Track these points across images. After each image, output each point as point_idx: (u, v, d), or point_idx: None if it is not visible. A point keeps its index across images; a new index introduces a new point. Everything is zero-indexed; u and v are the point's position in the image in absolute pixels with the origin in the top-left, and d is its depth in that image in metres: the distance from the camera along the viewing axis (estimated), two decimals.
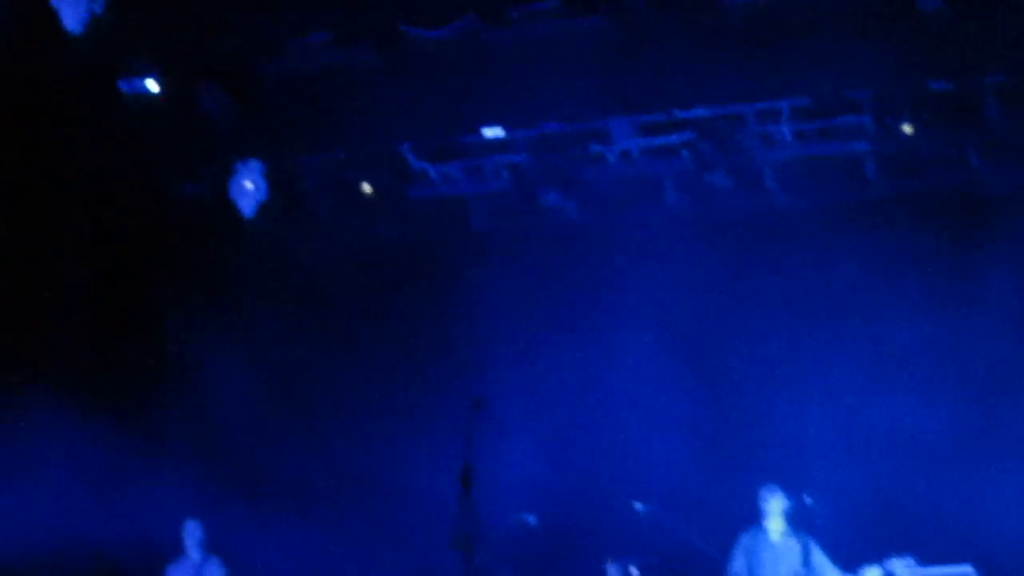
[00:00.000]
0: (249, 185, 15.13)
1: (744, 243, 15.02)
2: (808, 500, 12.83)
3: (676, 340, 14.86)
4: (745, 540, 13.48)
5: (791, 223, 14.97)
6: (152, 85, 14.34)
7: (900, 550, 12.81)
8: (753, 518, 13.53)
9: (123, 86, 14.25)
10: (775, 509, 13.36)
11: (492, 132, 15.04)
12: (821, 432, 14.46)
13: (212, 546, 14.27)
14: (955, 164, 14.52)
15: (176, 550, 14.39)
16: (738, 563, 13.41)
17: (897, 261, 14.47)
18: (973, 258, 14.26)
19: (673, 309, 14.85)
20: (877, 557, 12.82)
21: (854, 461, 14.16)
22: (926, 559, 12.94)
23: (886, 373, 14.36)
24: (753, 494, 13.56)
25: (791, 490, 13.30)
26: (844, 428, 14.36)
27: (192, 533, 14.27)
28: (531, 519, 13.89)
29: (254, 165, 15.18)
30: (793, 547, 13.13)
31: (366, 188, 15.23)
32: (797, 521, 13.21)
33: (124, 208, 16.07)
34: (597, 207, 15.28)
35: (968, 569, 13.13)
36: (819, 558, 13.07)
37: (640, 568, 13.66)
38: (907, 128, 14.12)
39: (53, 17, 12.66)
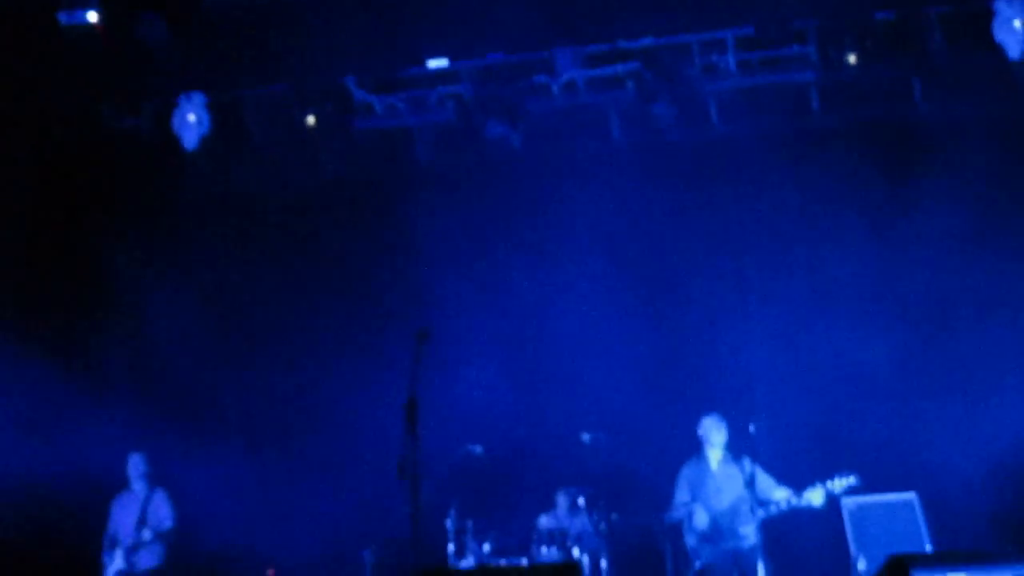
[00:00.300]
0: (192, 118, 15.01)
1: (688, 174, 15.07)
2: (752, 428, 12.93)
3: (621, 271, 14.92)
4: (687, 471, 13.60)
5: (735, 154, 15.01)
6: (92, 16, 14.13)
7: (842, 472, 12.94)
8: (695, 448, 13.64)
9: (62, 18, 14.03)
10: (715, 438, 13.48)
11: (436, 63, 14.97)
12: (765, 361, 14.58)
13: (157, 478, 14.25)
14: (899, 95, 14.57)
15: (120, 483, 14.37)
16: (682, 492, 13.53)
17: (840, 192, 14.54)
18: (915, 189, 14.32)
19: (618, 239, 14.94)
20: (820, 480, 12.95)
21: (796, 390, 14.30)
22: (871, 487, 13.07)
23: (828, 302, 14.46)
24: (696, 424, 13.69)
25: (735, 419, 13.40)
26: (787, 357, 14.48)
27: (136, 466, 14.25)
28: (477, 449, 13.93)
29: (197, 98, 15.06)
30: (734, 473, 13.24)
31: (310, 120, 15.09)
32: (738, 448, 13.31)
33: (64, 142, 15.95)
34: (542, 138, 15.25)
35: (911, 496, 13.29)
36: (763, 479, 13.20)
37: (587, 497, 13.73)
38: (851, 58, 14.14)
39: None
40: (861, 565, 13.18)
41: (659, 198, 14.92)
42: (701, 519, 13.26)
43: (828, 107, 14.81)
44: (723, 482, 13.29)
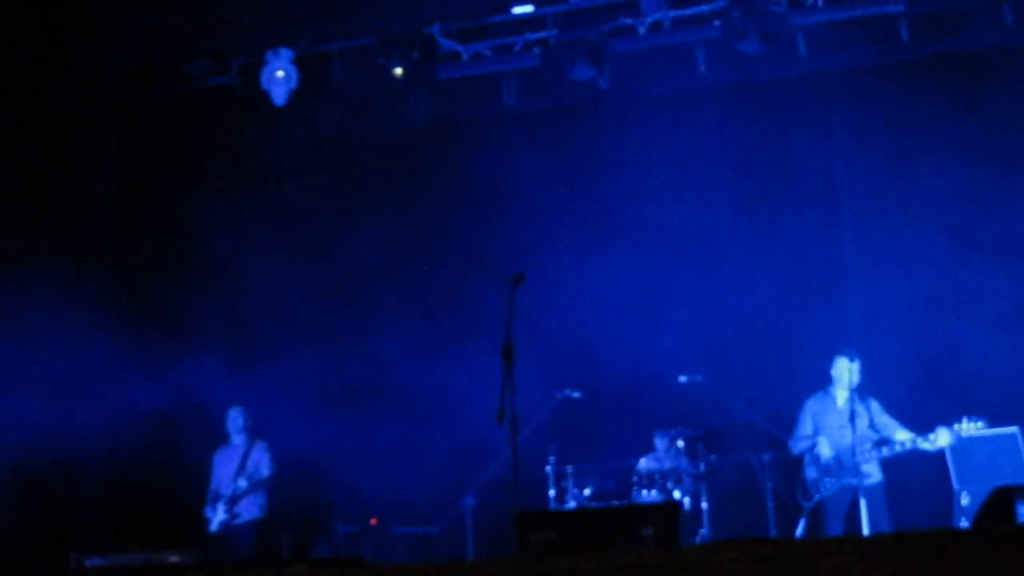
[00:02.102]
0: (280, 74, 15.09)
1: (777, 110, 14.89)
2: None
3: (712, 210, 14.81)
4: (811, 404, 13.58)
5: (824, 88, 14.85)
6: None
7: (954, 413, 12.83)
8: (814, 385, 13.60)
9: None
10: (841, 375, 13.41)
11: (521, 9, 14.93)
12: (862, 299, 14.46)
13: (256, 431, 14.41)
14: (990, 23, 14.33)
15: (221, 438, 14.56)
16: (804, 425, 13.52)
17: (932, 123, 14.32)
18: (1009, 117, 14.12)
19: (708, 179, 14.82)
20: (942, 420, 12.86)
21: (896, 325, 14.13)
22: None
23: (924, 237, 14.26)
24: (803, 363, 13.63)
25: (854, 356, 13.34)
26: (885, 294, 14.30)
27: (235, 419, 14.43)
28: (575, 394, 13.96)
29: (284, 53, 15.13)
30: (860, 411, 13.21)
31: (397, 71, 15.09)
32: (862, 387, 13.28)
33: (151, 101, 16.10)
34: (628, 79, 15.16)
35: (1014, 430, 13.17)
36: (886, 419, 13.20)
37: (686, 439, 13.72)
38: None
39: None
40: (964, 500, 13.10)
41: (748, 136, 14.80)
42: (825, 450, 13.26)
43: (918, 38, 14.57)
44: (848, 419, 13.21)
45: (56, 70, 14.99)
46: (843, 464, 13.18)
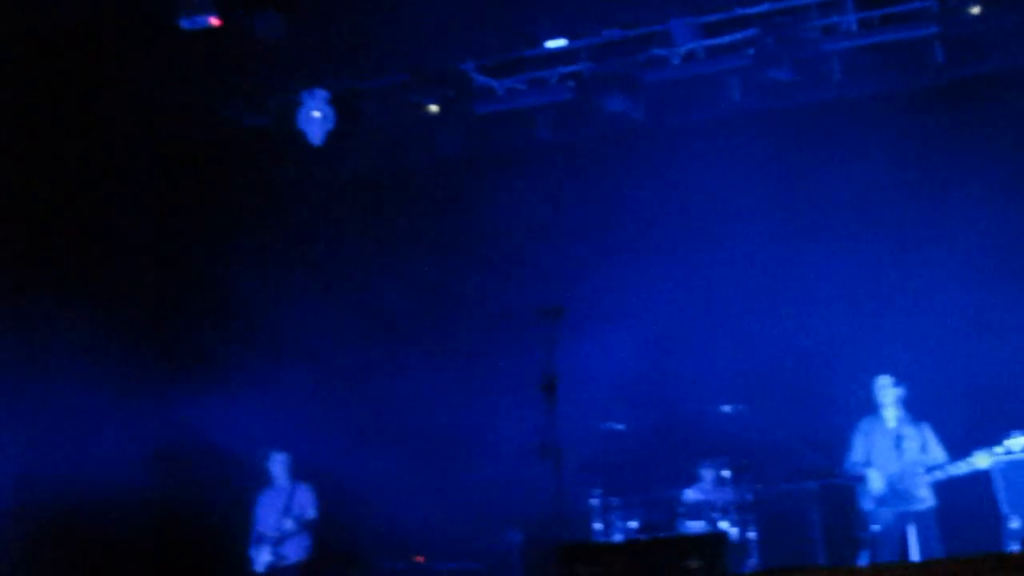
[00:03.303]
0: (316, 114, 15.15)
1: (814, 136, 14.85)
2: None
3: (749, 238, 14.77)
4: (863, 426, 13.52)
5: (861, 113, 14.78)
6: (212, 19, 14.29)
7: (997, 434, 12.75)
8: (860, 411, 13.55)
9: (183, 23, 14.21)
10: (887, 398, 13.35)
11: (554, 43, 14.96)
12: (902, 323, 14.36)
13: (299, 473, 14.41)
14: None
15: (264, 480, 14.57)
16: (856, 451, 13.45)
17: (969, 145, 14.26)
18: None
19: (744, 206, 14.77)
20: (985, 442, 12.76)
21: (935, 350, 14.04)
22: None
23: (963, 261, 14.18)
24: (847, 388, 13.56)
25: (902, 379, 13.30)
26: (923, 318, 14.22)
27: (279, 462, 14.44)
28: (618, 426, 13.92)
29: (320, 94, 15.20)
30: (911, 435, 13.16)
31: (432, 108, 15.14)
32: (913, 411, 13.24)
33: (188, 143, 16.21)
34: (663, 110, 15.15)
35: None
36: (934, 445, 13.15)
37: (732, 469, 13.64)
38: (974, 9, 13.87)
39: None
40: (1014, 523, 12.98)
41: (784, 163, 14.78)
42: (876, 483, 13.20)
43: (952, 60, 14.50)
44: (899, 442, 13.14)
45: (94, 113, 15.10)
46: (896, 492, 13.11)
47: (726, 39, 14.70)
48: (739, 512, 13.42)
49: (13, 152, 14.92)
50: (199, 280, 16.22)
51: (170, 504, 15.34)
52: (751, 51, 14.50)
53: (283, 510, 14.16)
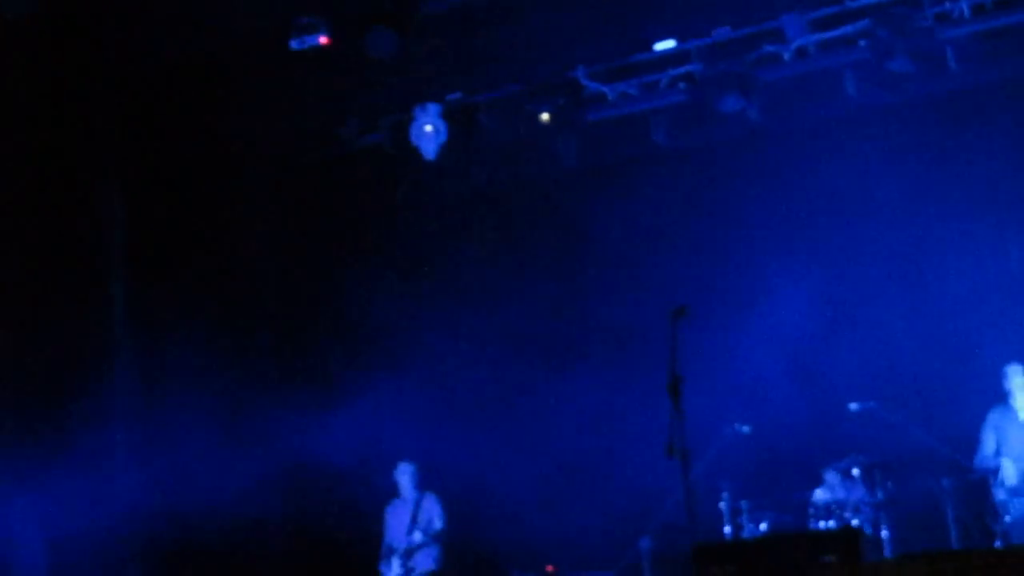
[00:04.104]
0: (429, 128, 15.22)
1: (935, 128, 14.63)
2: None
3: (877, 233, 14.58)
4: (993, 417, 13.31)
5: (978, 101, 14.55)
6: (322, 40, 14.42)
7: None
8: (992, 405, 13.31)
9: (294, 44, 14.36)
10: (1016, 386, 13.13)
11: (663, 45, 14.91)
12: None
13: (426, 483, 14.44)
14: None
15: (392, 492, 14.61)
16: (988, 443, 13.26)
17: None
18: None
19: (867, 202, 14.59)
20: None
21: None
22: None
23: None
24: (977, 382, 13.33)
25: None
26: None
27: (405, 473, 14.47)
28: (745, 429, 13.79)
29: (432, 108, 15.27)
30: None
31: (544, 116, 15.14)
32: None
33: (306, 166, 16.37)
34: (777, 107, 15.00)
35: None
36: None
37: (861, 467, 13.44)
38: None
39: None
40: None
41: (903, 155, 14.56)
42: (1009, 474, 12.97)
43: None
44: None
45: (212, 140, 15.33)
46: None
47: (838, 32, 14.54)
48: (871, 511, 13.22)
49: (135, 182, 15.20)
50: (322, 302, 16.38)
51: (300, 523, 15.47)
52: (864, 44, 14.34)
53: (411, 522, 14.20)
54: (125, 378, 15.05)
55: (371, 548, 14.47)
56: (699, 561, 9.49)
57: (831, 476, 13.74)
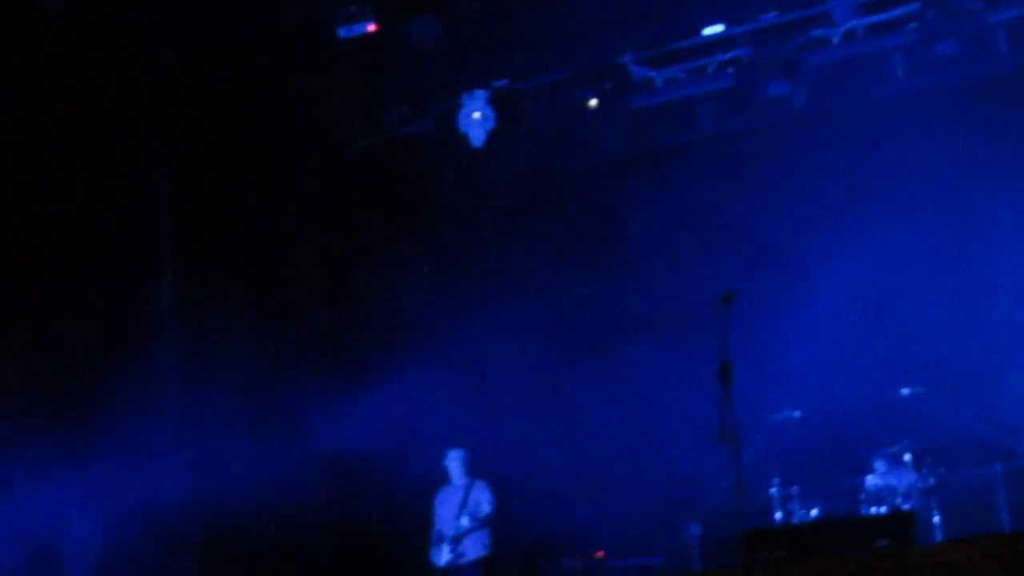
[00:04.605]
0: (477, 115, 15.21)
1: (984, 111, 14.48)
2: None
3: (927, 219, 14.45)
4: None
5: None
6: (369, 27, 14.43)
7: None
8: None
9: (342, 32, 14.39)
10: None
11: (711, 30, 14.84)
12: None
13: (476, 470, 14.43)
14: None
15: (442, 479, 14.62)
16: None
17: None
18: None
19: (919, 188, 14.46)
20: None
21: None
22: None
23: None
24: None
25: None
26: None
27: (455, 459, 14.45)
28: (795, 414, 13.73)
29: (479, 94, 15.26)
30: None
31: (592, 102, 15.11)
32: None
33: (355, 152, 16.39)
34: (824, 91, 14.92)
35: None
36: None
37: (913, 453, 13.36)
38: None
39: None
40: None
41: (951, 139, 14.42)
42: None
43: None
44: None
45: (260, 128, 15.37)
46: None
47: (886, 16, 14.44)
48: (922, 497, 13.14)
49: (181, 171, 15.28)
50: (365, 289, 16.39)
51: (344, 511, 15.50)
52: (913, 27, 14.24)
53: (459, 507, 14.19)
54: (170, 364, 15.15)
55: (417, 536, 14.47)
56: (749, 546, 9.45)
57: (881, 462, 13.67)
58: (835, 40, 14.64)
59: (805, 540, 9.18)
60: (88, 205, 14.32)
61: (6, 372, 13.56)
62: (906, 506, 13.04)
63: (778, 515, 13.40)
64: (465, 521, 14.07)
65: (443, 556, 14.11)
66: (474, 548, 14.09)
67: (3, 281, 13.63)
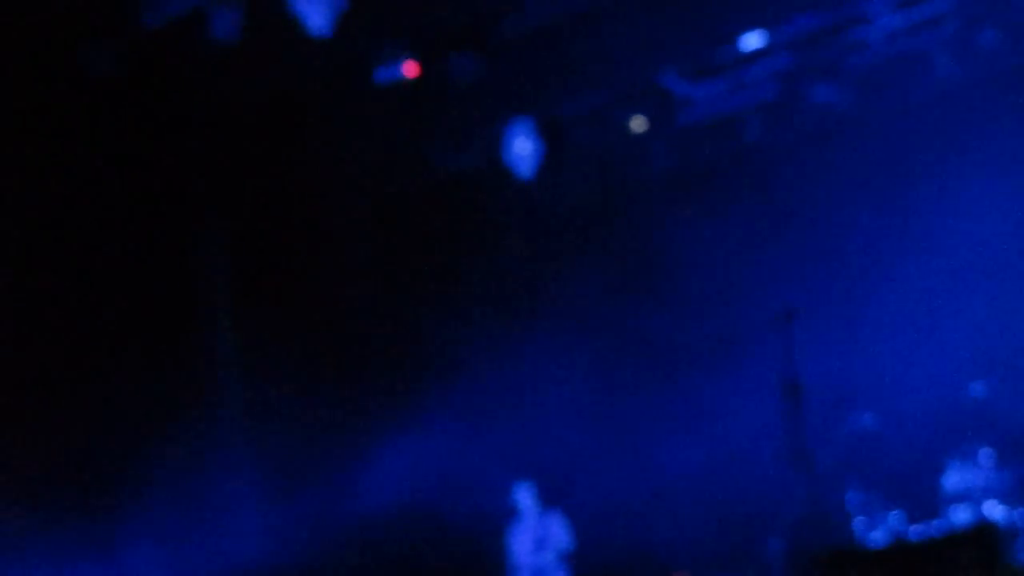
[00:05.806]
0: (524, 146, 15.17)
1: None
2: None
3: (988, 214, 14.28)
4: None
5: None
6: (407, 69, 14.43)
7: None
8: None
9: (380, 75, 14.41)
10: None
11: (750, 40, 14.75)
12: None
13: (547, 500, 14.37)
14: None
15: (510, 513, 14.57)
16: None
17: None
18: None
19: (976, 184, 14.29)
20: None
21: None
22: None
23: None
24: None
25: None
26: None
27: (525, 490, 14.37)
28: (867, 419, 13.65)
29: (525, 124, 15.22)
30: None
31: (636, 124, 15.07)
32: None
33: (398, 192, 16.43)
34: (870, 95, 14.81)
35: None
36: None
37: (990, 452, 13.24)
38: None
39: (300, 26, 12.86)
40: None
41: (1007, 132, 14.28)
42: None
43: None
44: None
45: (307, 176, 15.42)
46: None
47: (927, 11, 14.31)
48: (1003, 493, 13.02)
49: (236, 218, 15.39)
50: (423, 325, 16.37)
51: (425, 543, 15.51)
52: (952, 21, 14.11)
53: (536, 541, 14.10)
54: (234, 416, 15.23)
55: (488, 570, 14.45)
56: (830, 570, 9.39)
57: (958, 462, 13.56)
58: (874, 40, 14.50)
59: (887, 563, 9.07)
60: (148, 253, 14.45)
61: (68, 431, 13.64)
62: (986, 503, 12.92)
63: (859, 522, 13.32)
64: (546, 557, 13.98)
65: None
66: None
67: (62, 336, 13.73)
